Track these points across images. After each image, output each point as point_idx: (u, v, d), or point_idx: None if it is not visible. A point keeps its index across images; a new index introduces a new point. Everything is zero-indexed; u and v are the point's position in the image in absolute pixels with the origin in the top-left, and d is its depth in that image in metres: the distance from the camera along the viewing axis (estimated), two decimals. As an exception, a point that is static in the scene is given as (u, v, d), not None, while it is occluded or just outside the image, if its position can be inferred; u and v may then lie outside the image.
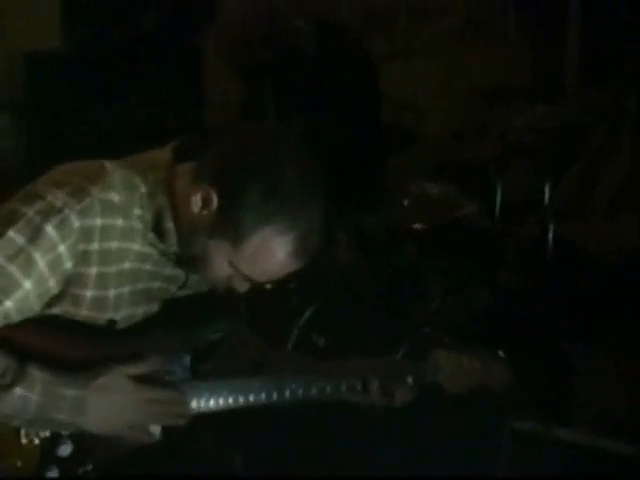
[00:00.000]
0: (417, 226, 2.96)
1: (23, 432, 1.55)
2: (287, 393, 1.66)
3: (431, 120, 3.59)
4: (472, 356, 1.75)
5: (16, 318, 1.51)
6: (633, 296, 2.93)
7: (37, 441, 1.56)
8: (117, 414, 1.55)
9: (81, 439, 1.57)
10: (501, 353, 1.77)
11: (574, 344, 2.84)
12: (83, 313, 1.57)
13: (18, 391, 1.47)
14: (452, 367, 1.74)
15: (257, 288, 1.62)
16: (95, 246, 1.53)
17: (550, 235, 3.01)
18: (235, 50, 2.79)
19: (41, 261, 1.49)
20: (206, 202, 1.52)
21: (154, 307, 1.66)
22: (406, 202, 3.05)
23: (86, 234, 1.51)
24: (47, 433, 1.56)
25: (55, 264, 1.50)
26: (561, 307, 2.94)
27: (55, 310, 1.55)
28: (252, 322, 1.82)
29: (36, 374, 1.49)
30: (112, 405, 1.54)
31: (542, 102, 3.19)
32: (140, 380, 1.56)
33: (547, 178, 3.09)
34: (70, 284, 1.53)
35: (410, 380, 1.74)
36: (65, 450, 1.57)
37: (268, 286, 2.21)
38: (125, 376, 1.55)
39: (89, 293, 1.55)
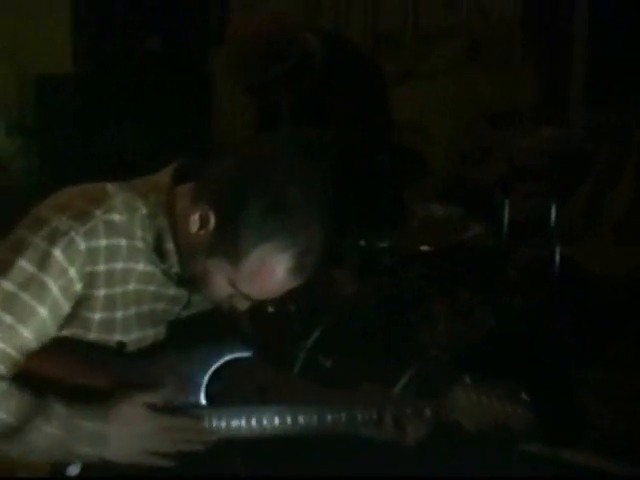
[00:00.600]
0: (423, 248, 2.97)
1: None
2: (301, 420, 1.66)
3: (437, 142, 3.62)
4: (493, 396, 1.70)
5: (34, 346, 1.53)
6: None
7: None
8: (137, 443, 1.56)
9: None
10: (524, 395, 1.72)
11: (580, 366, 2.84)
12: (92, 336, 1.59)
13: (41, 427, 1.49)
14: (472, 406, 1.70)
15: (259, 306, 1.63)
16: (101, 267, 1.55)
17: (557, 257, 3.01)
18: (245, 66, 2.82)
19: (54, 287, 1.51)
20: (204, 221, 1.54)
21: (162, 330, 1.68)
22: (412, 224, 3.06)
23: (92, 255, 1.53)
24: None
25: (67, 287, 1.53)
26: (567, 329, 2.94)
27: (65, 332, 1.57)
28: (259, 346, 1.83)
29: (57, 408, 1.50)
30: (132, 435, 1.55)
31: (548, 124, 3.21)
32: (157, 408, 1.58)
33: (553, 200, 3.09)
34: (80, 306, 1.56)
35: (428, 416, 1.71)
36: (74, 470, 1.58)
37: (271, 309, 2.22)
38: (142, 405, 1.56)
39: (97, 315, 1.58)
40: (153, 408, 1.57)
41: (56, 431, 1.50)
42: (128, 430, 1.55)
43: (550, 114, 3.61)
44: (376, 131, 2.96)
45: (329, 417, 1.67)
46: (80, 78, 4.21)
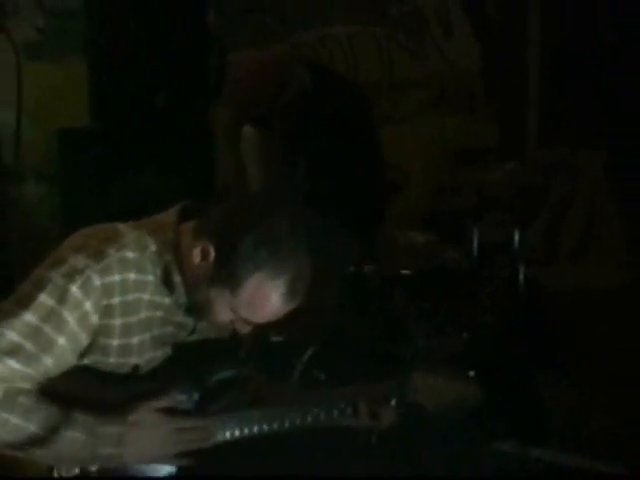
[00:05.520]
0: (404, 272, 2.99)
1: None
2: (286, 423, 1.69)
3: (414, 178, 3.65)
4: (446, 377, 1.78)
5: (55, 372, 1.54)
6: (594, 328, 2.96)
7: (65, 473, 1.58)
8: (152, 444, 1.57)
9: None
10: (472, 373, 1.81)
11: (543, 372, 2.85)
12: (111, 360, 1.60)
13: (67, 434, 1.50)
14: (429, 388, 1.77)
15: (260, 330, 1.65)
16: (117, 300, 1.57)
17: (521, 277, 3.03)
18: (250, 100, 2.88)
19: (70, 319, 1.52)
20: (205, 254, 1.57)
21: (168, 350, 1.69)
22: (394, 250, 3.08)
23: (107, 290, 1.55)
24: (77, 471, 1.58)
25: (83, 320, 1.54)
26: (533, 339, 2.96)
27: (87, 360, 1.59)
28: (258, 362, 1.84)
29: (80, 417, 1.52)
30: (147, 437, 1.57)
31: (510, 160, 3.25)
32: (166, 412, 1.60)
33: (517, 227, 3.12)
34: (98, 335, 1.57)
35: (394, 402, 1.77)
36: None
37: (275, 338, 2.21)
38: (154, 410, 1.58)
39: (115, 342, 1.59)
40: (165, 412, 1.59)
41: (81, 436, 1.51)
42: (144, 433, 1.56)
43: (510, 152, 3.65)
44: (367, 151, 3.01)
45: (309, 417, 1.71)
46: (97, 131, 4.22)
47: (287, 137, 2.90)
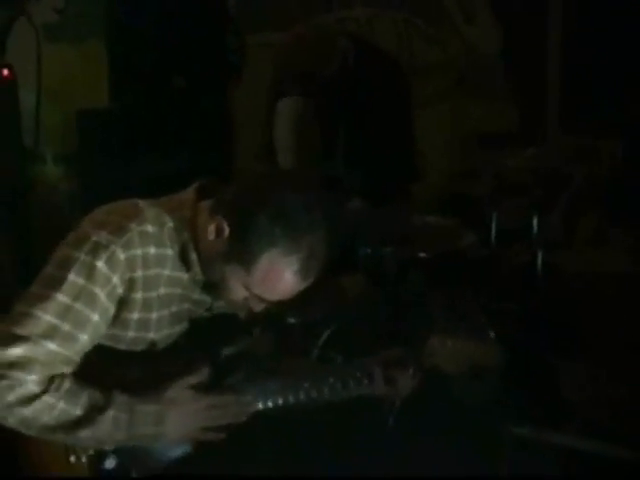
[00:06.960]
0: (422, 255, 2.97)
1: (71, 450, 1.58)
2: (302, 395, 1.67)
3: (434, 163, 3.63)
4: (466, 339, 1.75)
5: (89, 349, 1.56)
6: (613, 313, 2.93)
7: (84, 459, 1.58)
8: (188, 421, 1.58)
9: (124, 454, 1.59)
10: (492, 334, 1.77)
11: (563, 356, 2.83)
12: (130, 334, 1.61)
13: (110, 413, 1.51)
14: (447, 349, 1.75)
15: (274, 308, 1.64)
16: (139, 273, 1.58)
17: (540, 261, 3.01)
18: (291, 74, 2.87)
19: (101, 294, 1.53)
20: (219, 231, 1.57)
21: (185, 325, 1.70)
22: (412, 234, 3.07)
23: (130, 264, 1.56)
24: (91, 452, 1.58)
25: (112, 293, 1.56)
26: (551, 323, 2.94)
27: (108, 331, 1.59)
28: (275, 344, 1.83)
29: (119, 396, 1.53)
30: (182, 414, 1.58)
31: (530, 145, 3.22)
32: (199, 388, 1.60)
33: (536, 212, 3.09)
34: (121, 308, 1.59)
35: (411, 367, 1.74)
36: (110, 464, 1.58)
37: (292, 320, 2.22)
38: (186, 387, 1.58)
39: (135, 316, 1.60)
40: (197, 389, 1.58)
41: (124, 416, 1.52)
42: (179, 410, 1.57)
43: (530, 137, 3.63)
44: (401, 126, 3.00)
45: (325, 389, 1.70)
46: (115, 112, 4.22)
47: (330, 109, 2.89)
